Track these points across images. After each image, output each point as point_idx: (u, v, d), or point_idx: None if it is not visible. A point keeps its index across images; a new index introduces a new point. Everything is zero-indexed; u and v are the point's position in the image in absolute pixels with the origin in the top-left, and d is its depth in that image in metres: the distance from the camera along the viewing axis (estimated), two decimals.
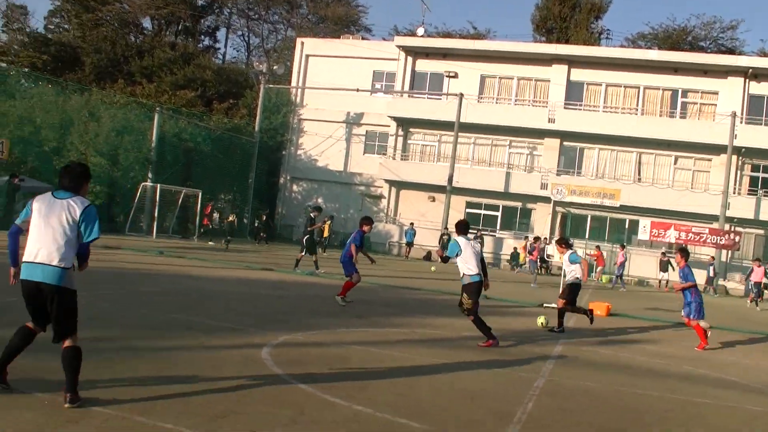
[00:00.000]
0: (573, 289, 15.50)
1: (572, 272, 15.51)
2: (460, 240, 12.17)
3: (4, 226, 27.87)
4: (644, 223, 39.94)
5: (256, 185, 46.76)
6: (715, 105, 42.73)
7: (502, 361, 10.71)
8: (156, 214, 36.01)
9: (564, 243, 16.26)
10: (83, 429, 5.56)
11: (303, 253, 24.14)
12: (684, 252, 15.16)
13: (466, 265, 11.94)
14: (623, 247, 35.24)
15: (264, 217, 41.08)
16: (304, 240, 24.19)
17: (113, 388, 6.81)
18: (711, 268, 36.97)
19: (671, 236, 39.03)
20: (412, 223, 43.47)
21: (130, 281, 16.14)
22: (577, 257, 15.85)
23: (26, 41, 55.88)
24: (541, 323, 15.28)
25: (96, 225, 6.53)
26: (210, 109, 49.30)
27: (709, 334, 14.67)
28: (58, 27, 64.18)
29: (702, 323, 14.57)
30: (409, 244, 42.72)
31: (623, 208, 41.72)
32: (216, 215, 42.66)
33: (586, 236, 42.68)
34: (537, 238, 39.91)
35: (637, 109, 43.79)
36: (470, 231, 13.00)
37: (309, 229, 24.26)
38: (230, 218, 37.36)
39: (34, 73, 44.61)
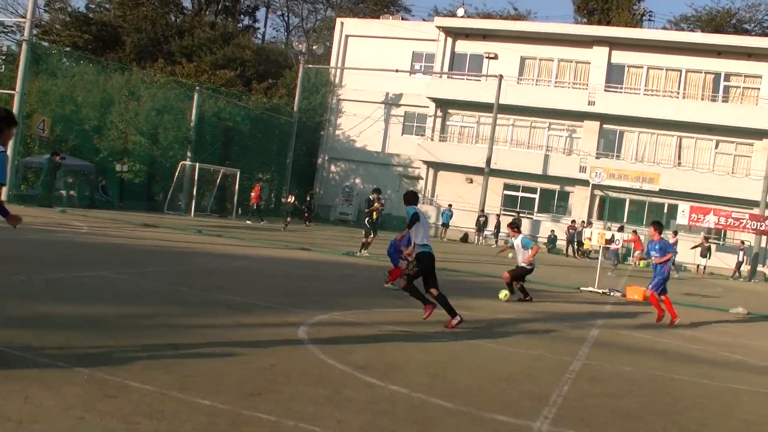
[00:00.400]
0: (521, 271, 15.66)
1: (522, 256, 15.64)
2: (418, 209, 12.06)
3: (46, 204, 28.47)
4: (683, 207, 39.53)
5: (294, 165, 46.94)
6: (759, 89, 42.03)
7: (538, 344, 10.68)
8: (194, 193, 36.31)
9: (515, 227, 16.39)
10: (122, 404, 5.64)
11: (371, 237, 23.30)
12: (657, 225, 15.08)
13: (419, 236, 11.91)
14: (675, 233, 34.90)
15: (309, 198, 41.15)
16: (366, 222, 23.61)
17: (151, 364, 6.90)
18: (741, 252, 36.60)
19: (710, 221, 38.60)
20: (450, 205, 43.37)
21: (168, 259, 16.32)
22: (529, 242, 15.90)
23: (68, 21, 56.40)
24: (504, 297, 15.24)
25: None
26: (249, 88, 49.47)
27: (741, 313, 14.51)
28: (100, 6, 64.61)
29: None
30: (445, 225, 42.66)
31: (662, 192, 41.25)
32: (283, 198, 42.35)
33: (624, 220, 42.26)
34: (573, 221, 39.88)
35: (678, 93, 43.19)
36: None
37: (367, 210, 23.79)
38: (290, 199, 37.44)
39: (75, 52, 45.04)
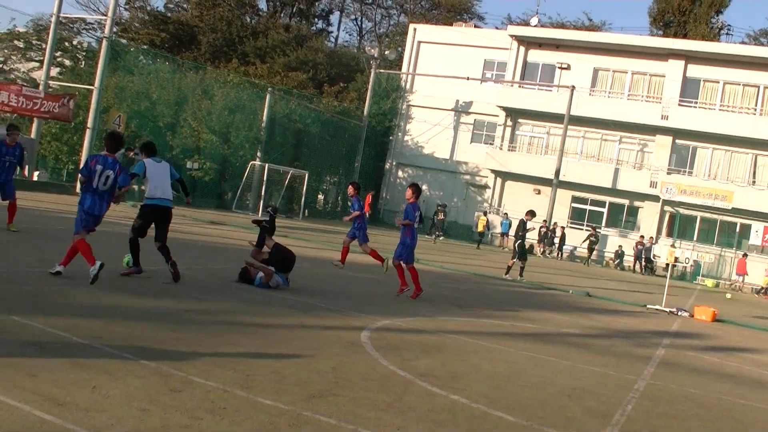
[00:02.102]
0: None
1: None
2: (147, 162, 11.82)
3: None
4: (757, 227, 38.58)
5: (362, 169, 47.12)
6: None
7: (602, 360, 10.51)
8: (262, 193, 36.70)
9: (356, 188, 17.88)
10: (186, 398, 5.70)
11: (514, 260, 22.06)
12: (415, 187, 14.35)
13: (150, 187, 11.71)
14: (745, 255, 34.28)
15: (441, 215, 41.59)
16: (516, 245, 21.98)
17: (215, 360, 6.97)
18: None
19: None
20: (506, 213, 43.08)
21: (233, 257, 16.49)
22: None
23: (146, 19, 57.66)
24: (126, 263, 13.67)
25: None
26: (320, 91, 49.89)
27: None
28: (177, 6, 65.93)
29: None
30: (504, 235, 42.36)
31: (735, 211, 40.28)
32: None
33: (695, 238, 41.41)
34: (642, 237, 39.26)
35: (755, 109, 42.15)
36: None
37: (521, 234, 21.99)
38: (440, 216, 37.76)
39: (152, 50, 46.01)
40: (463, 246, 38.36)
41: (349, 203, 16.69)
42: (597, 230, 40.99)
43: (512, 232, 41.35)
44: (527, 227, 22.09)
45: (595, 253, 40.51)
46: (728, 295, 29.88)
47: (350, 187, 16.01)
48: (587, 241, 40.14)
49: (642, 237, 39.99)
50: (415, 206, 14.16)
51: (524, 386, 8.12)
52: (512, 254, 22.32)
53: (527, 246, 22.42)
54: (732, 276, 38.97)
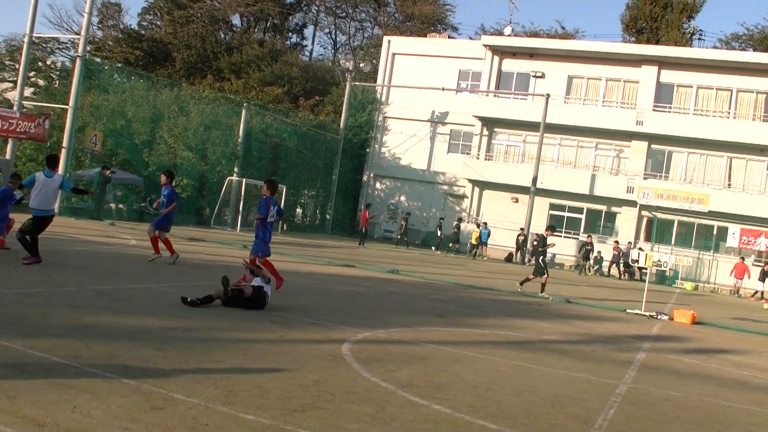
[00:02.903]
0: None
1: None
2: (38, 175, 14.08)
3: (96, 216, 28.93)
4: (734, 230, 38.90)
5: (339, 182, 47.18)
6: None
7: (584, 366, 10.56)
8: (241, 208, 36.60)
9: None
10: (168, 416, 5.68)
11: (538, 275, 21.30)
12: (270, 183, 14.85)
13: (33, 198, 13.94)
14: None
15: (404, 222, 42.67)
16: (541, 261, 21.27)
17: (197, 377, 6.95)
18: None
19: (762, 244, 37.96)
20: (485, 223, 43.25)
21: (214, 273, 16.43)
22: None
23: (120, 37, 57.59)
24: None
25: None
26: (296, 105, 49.92)
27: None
28: (151, 24, 65.99)
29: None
30: (483, 244, 42.56)
31: (712, 214, 40.58)
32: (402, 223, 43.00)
33: (672, 242, 41.69)
34: (617, 242, 39.54)
35: (729, 113, 42.56)
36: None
37: (541, 249, 21.54)
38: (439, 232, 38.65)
39: (126, 68, 45.87)
40: (444, 257, 38.40)
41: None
42: (590, 238, 41.05)
43: (497, 241, 42.11)
44: (547, 242, 21.68)
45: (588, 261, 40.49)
46: (766, 306, 29.92)
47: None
48: (582, 250, 40.16)
49: (616, 242, 40.31)
50: (270, 201, 14.55)
51: (507, 394, 8.15)
52: (534, 270, 21.62)
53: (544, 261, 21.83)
54: (711, 279, 39.29)
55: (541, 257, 21.33)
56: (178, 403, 6.04)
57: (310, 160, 45.11)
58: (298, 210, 49.50)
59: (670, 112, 43.22)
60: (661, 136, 42.49)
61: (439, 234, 43.18)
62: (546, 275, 21.25)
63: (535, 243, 22.78)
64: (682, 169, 43.16)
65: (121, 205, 33.51)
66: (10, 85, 47.87)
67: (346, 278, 19.35)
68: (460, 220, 44.02)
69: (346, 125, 47.47)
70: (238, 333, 9.75)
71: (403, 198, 49.27)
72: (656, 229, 42.58)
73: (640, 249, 28.21)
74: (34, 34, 32.63)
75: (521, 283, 21.55)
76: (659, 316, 18.81)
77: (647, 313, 19.05)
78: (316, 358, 8.69)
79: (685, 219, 42.28)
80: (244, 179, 36.82)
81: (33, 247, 13.68)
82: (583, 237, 42.40)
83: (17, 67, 40.07)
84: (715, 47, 57.29)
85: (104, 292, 11.59)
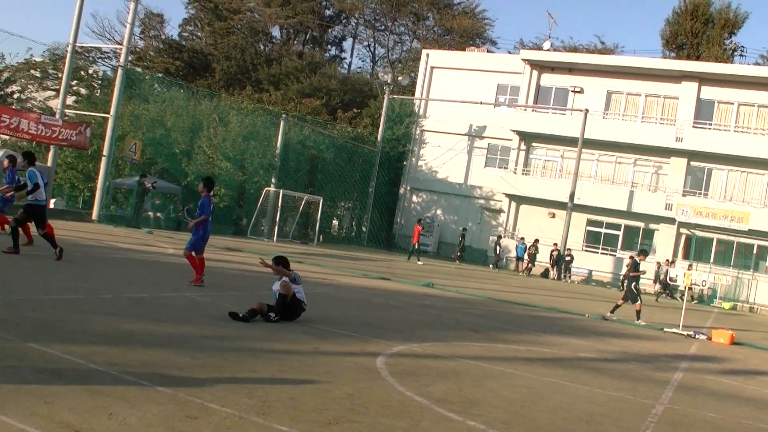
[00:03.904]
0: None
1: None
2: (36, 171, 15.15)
3: (134, 225, 29.27)
4: None
5: (376, 194, 47.22)
6: None
7: (620, 385, 10.43)
8: (277, 219, 36.77)
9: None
10: (203, 425, 5.69)
11: (624, 301, 20.60)
12: (206, 181, 14.92)
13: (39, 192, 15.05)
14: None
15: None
16: (633, 287, 20.42)
17: (232, 387, 6.96)
18: None
19: None
20: (522, 238, 43.07)
21: (250, 283, 16.54)
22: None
23: (161, 48, 58.30)
24: None
25: None
26: (334, 117, 50.11)
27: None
28: (192, 34, 66.74)
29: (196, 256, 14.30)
30: (520, 259, 42.38)
31: (752, 233, 40.02)
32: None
33: (711, 260, 41.15)
34: (631, 257, 38.94)
35: None
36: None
37: (632, 275, 20.60)
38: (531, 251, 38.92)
39: (167, 78, 46.41)
40: (479, 270, 38.25)
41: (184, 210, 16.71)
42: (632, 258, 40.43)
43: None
44: (639, 268, 20.62)
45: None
46: None
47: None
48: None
49: (667, 260, 39.66)
50: (209, 199, 14.68)
51: (542, 411, 8.07)
52: (624, 295, 20.86)
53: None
54: (750, 299, 38.71)
55: (633, 283, 20.41)
56: (213, 413, 6.05)
57: (347, 172, 45.23)
58: (335, 222, 49.66)
59: (710, 128, 42.74)
60: (700, 153, 42.02)
61: (460, 246, 42.72)
62: (639, 302, 20.33)
63: (627, 267, 21.72)
64: (721, 186, 42.61)
65: (159, 214, 33.84)
66: (53, 93, 48.64)
67: (381, 291, 19.33)
68: (499, 237, 43.80)
69: (383, 138, 47.55)
70: (273, 344, 9.76)
71: (439, 211, 49.20)
72: (695, 248, 42.07)
73: (689, 268, 27.78)
74: (77, 44, 33.14)
75: (612, 311, 20.61)
76: (697, 336, 18.54)
77: (685, 333, 18.80)
78: (351, 371, 8.67)
79: (724, 237, 41.73)
80: (281, 190, 36.99)
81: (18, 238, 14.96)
82: (622, 254, 41.99)
83: (60, 75, 40.71)
84: (756, 64, 56.59)
85: (141, 300, 11.68)
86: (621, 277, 21.29)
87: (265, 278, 16.73)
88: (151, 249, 21.68)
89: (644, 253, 21.35)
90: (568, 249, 41.38)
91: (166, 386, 6.61)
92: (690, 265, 34.87)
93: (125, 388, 6.38)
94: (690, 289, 21.83)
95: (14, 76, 48.30)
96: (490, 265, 42.72)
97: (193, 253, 14.40)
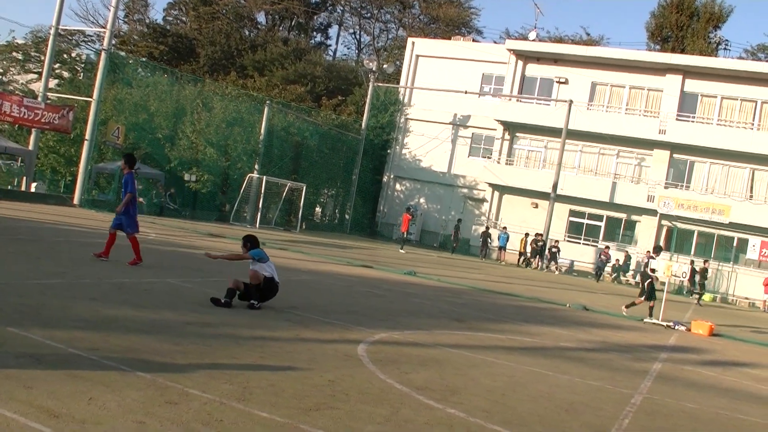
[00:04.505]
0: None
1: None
2: None
3: (115, 209, 29.11)
4: (754, 242, 38.63)
5: (359, 182, 47.19)
6: None
7: (600, 374, 10.49)
8: (260, 206, 36.68)
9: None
10: (183, 411, 5.69)
11: (642, 299, 20.01)
12: (128, 157, 14.74)
13: None
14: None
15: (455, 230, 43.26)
16: (646, 285, 19.99)
17: (212, 373, 6.96)
18: None
19: None
20: (504, 227, 43.25)
21: (232, 270, 16.47)
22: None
23: (145, 32, 57.96)
24: None
25: None
26: (318, 104, 50.01)
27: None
28: (176, 19, 66.34)
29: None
30: (502, 248, 42.54)
31: (732, 225, 40.30)
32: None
33: (692, 252, 41.40)
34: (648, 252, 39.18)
35: (753, 124, 42.21)
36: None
37: (650, 271, 19.94)
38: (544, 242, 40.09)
39: (151, 62, 46.13)
40: (462, 260, 38.33)
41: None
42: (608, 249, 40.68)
43: (516, 247, 41.97)
44: (651, 266, 20.09)
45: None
46: None
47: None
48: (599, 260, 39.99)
49: (648, 252, 39.85)
50: (131, 176, 14.38)
51: (522, 400, 8.11)
52: (640, 292, 20.52)
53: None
54: (730, 290, 39.02)
55: (648, 280, 19.97)
56: (193, 399, 6.05)
57: (331, 159, 45.17)
58: (318, 209, 49.60)
59: (693, 121, 42.94)
60: (683, 146, 42.21)
61: (456, 236, 43.18)
62: (654, 299, 19.91)
63: (644, 264, 21.18)
64: (703, 179, 42.85)
65: (141, 199, 33.69)
66: (35, 76, 48.31)
67: (363, 279, 19.35)
68: (487, 228, 43.97)
69: (367, 126, 47.49)
70: (255, 330, 9.76)
71: (422, 200, 49.23)
72: (676, 239, 42.33)
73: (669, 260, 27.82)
74: (61, 27, 32.92)
75: (627, 306, 20.35)
76: (676, 327, 18.69)
77: (664, 323, 18.95)
78: (332, 358, 8.69)
79: (705, 230, 41.99)
80: (264, 177, 36.90)
81: None
82: (601, 245, 42.25)
83: (43, 58, 40.43)
84: (740, 58, 56.91)
85: (123, 285, 11.64)
86: (638, 276, 20.79)
87: (247, 265, 16.73)
88: None
89: (657, 250, 20.91)
90: (556, 241, 41.52)
91: (146, 372, 6.61)
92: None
93: (105, 374, 6.36)
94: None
95: None
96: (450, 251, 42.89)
97: (128, 233, 14.24)
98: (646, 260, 20.78)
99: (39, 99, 31.20)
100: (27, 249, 14.26)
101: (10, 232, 14.08)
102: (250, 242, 11.89)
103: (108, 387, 5.98)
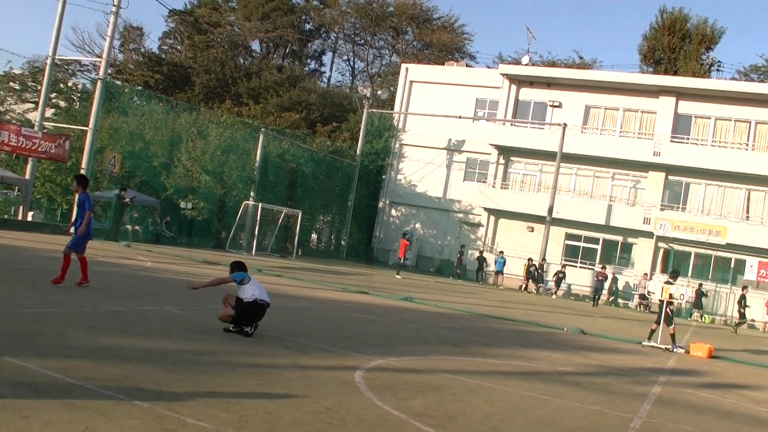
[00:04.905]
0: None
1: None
2: None
3: (113, 238, 29.08)
4: (751, 262, 38.62)
5: (355, 208, 47.22)
6: None
7: (598, 398, 10.46)
8: (256, 232, 36.67)
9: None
10: None
11: (673, 327, 19.63)
12: (79, 178, 14.49)
13: None
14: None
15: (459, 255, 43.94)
16: (670, 311, 19.46)
17: (209, 401, 6.93)
18: None
19: None
20: (501, 252, 43.26)
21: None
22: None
23: (141, 61, 58.15)
24: None
25: None
26: (313, 131, 50.13)
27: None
28: (171, 48, 66.68)
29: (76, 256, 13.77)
30: (499, 273, 42.54)
31: (729, 247, 40.35)
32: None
33: (689, 274, 41.42)
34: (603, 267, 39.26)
35: (747, 145, 42.39)
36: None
37: (670, 299, 19.48)
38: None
39: (146, 91, 46.30)
40: (458, 285, 38.29)
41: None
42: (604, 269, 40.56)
43: (512, 270, 41.94)
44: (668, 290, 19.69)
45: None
46: None
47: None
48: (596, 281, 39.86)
49: (645, 274, 40.00)
50: (86, 195, 14.22)
51: (521, 426, 8.08)
52: (657, 318, 19.95)
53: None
54: (728, 312, 38.93)
55: (669, 306, 19.62)
56: (190, 427, 6.02)
57: (326, 185, 45.22)
58: (314, 235, 49.58)
59: (687, 143, 43.12)
60: (678, 168, 42.36)
61: (460, 262, 43.32)
62: (672, 325, 19.55)
63: (663, 290, 20.26)
64: (699, 200, 42.94)
65: (137, 227, 33.67)
66: (32, 105, 48.40)
67: (359, 305, 19.31)
68: (481, 252, 44.13)
69: (362, 152, 47.59)
70: (252, 358, 9.72)
71: (418, 225, 49.24)
72: (673, 261, 42.35)
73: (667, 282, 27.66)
74: (57, 56, 33.03)
75: (649, 337, 19.88)
76: (675, 349, 18.65)
77: (663, 346, 18.89)
78: (329, 385, 8.65)
79: (702, 251, 42.04)
80: (260, 204, 36.90)
81: None
82: (597, 267, 42.21)
83: (39, 88, 40.54)
84: (733, 79, 57.19)
85: (119, 313, 11.61)
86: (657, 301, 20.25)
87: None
88: (129, 262, 21.54)
89: (674, 274, 20.62)
90: (563, 266, 41.61)
91: (143, 400, 6.58)
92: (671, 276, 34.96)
93: (102, 403, 6.34)
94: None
95: None
96: (451, 277, 42.95)
97: (73, 254, 13.95)
98: (664, 284, 20.12)
99: (36, 128, 31.25)
100: (23, 277, 14.22)
101: (6, 260, 14.05)
102: (236, 267, 11.86)
103: (105, 416, 5.95)
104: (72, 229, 14.36)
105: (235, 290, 11.65)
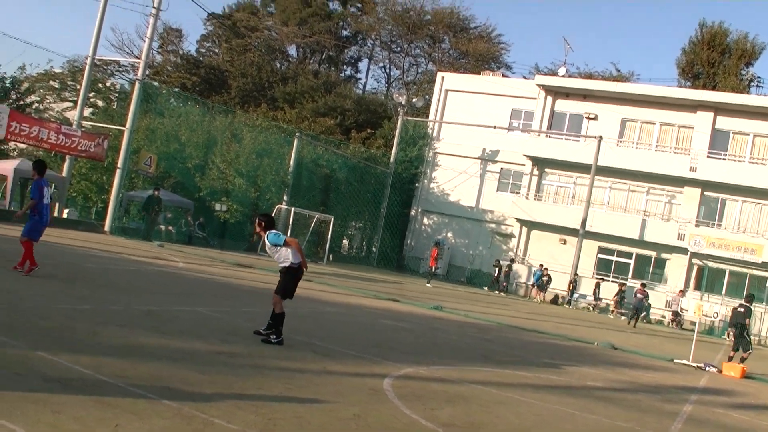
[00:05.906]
0: (285, 277, 11.76)
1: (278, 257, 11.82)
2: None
3: (146, 237, 29.33)
4: None
5: (387, 215, 47.17)
6: None
7: (628, 415, 10.33)
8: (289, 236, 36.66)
9: (263, 220, 12.03)
10: None
11: (748, 352, 19.52)
12: (37, 164, 14.40)
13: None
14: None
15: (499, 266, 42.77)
16: (746, 334, 19.48)
17: (238, 403, 6.94)
18: None
19: None
20: (541, 265, 42.78)
21: (260, 300, 16.49)
22: (278, 237, 11.70)
23: (178, 63, 58.71)
24: None
25: None
26: (348, 137, 50.21)
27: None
28: (209, 51, 67.22)
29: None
30: (536, 285, 42.22)
31: (765, 265, 39.76)
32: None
33: (723, 291, 40.90)
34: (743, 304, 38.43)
35: None
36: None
37: (742, 323, 19.41)
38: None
39: (183, 93, 46.68)
40: (488, 295, 38.13)
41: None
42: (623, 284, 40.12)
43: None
44: (749, 313, 19.61)
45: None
46: None
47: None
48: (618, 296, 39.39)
49: (680, 291, 39.38)
50: (42, 182, 14.05)
51: None
52: (734, 345, 19.78)
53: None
54: (762, 332, 38.38)
55: (744, 330, 19.45)
56: (218, 429, 6.03)
57: (359, 192, 45.25)
58: (345, 241, 49.61)
59: (725, 159, 42.59)
60: (714, 184, 41.85)
61: (497, 274, 42.83)
62: (750, 350, 19.41)
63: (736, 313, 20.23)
64: (735, 217, 42.40)
65: (170, 227, 33.92)
66: (71, 104, 49.06)
67: (390, 312, 19.28)
68: (512, 261, 43.78)
69: (396, 159, 47.58)
70: (282, 362, 9.73)
71: (449, 234, 49.10)
72: (707, 278, 41.84)
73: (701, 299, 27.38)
74: (96, 57, 33.42)
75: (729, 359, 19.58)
76: (707, 368, 18.41)
77: (695, 364, 18.66)
78: (357, 392, 8.63)
79: (737, 269, 41.46)
80: (293, 208, 36.98)
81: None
82: (633, 283, 41.78)
83: (78, 87, 41.05)
84: None
85: (151, 312, 11.69)
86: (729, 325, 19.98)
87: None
88: (161, 262, 21.69)
89: (750, 298, 20.25)
90: (601, 279, 41.31)
91: (173, 400, 6.60)
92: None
93: (132, 401, 6.37)
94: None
95: (33, 86, 48.71)
96: (497, 291, 42.37)
97: (23, 237, 13.79)
98: (745, 310, 19.80)
99: (74, 126, 31.61)
100: (57, 273, 14.36)
101: (40, 256, 14.16)
102: (266, 221, 11.69)
103: (135, 414, 5.97)
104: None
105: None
